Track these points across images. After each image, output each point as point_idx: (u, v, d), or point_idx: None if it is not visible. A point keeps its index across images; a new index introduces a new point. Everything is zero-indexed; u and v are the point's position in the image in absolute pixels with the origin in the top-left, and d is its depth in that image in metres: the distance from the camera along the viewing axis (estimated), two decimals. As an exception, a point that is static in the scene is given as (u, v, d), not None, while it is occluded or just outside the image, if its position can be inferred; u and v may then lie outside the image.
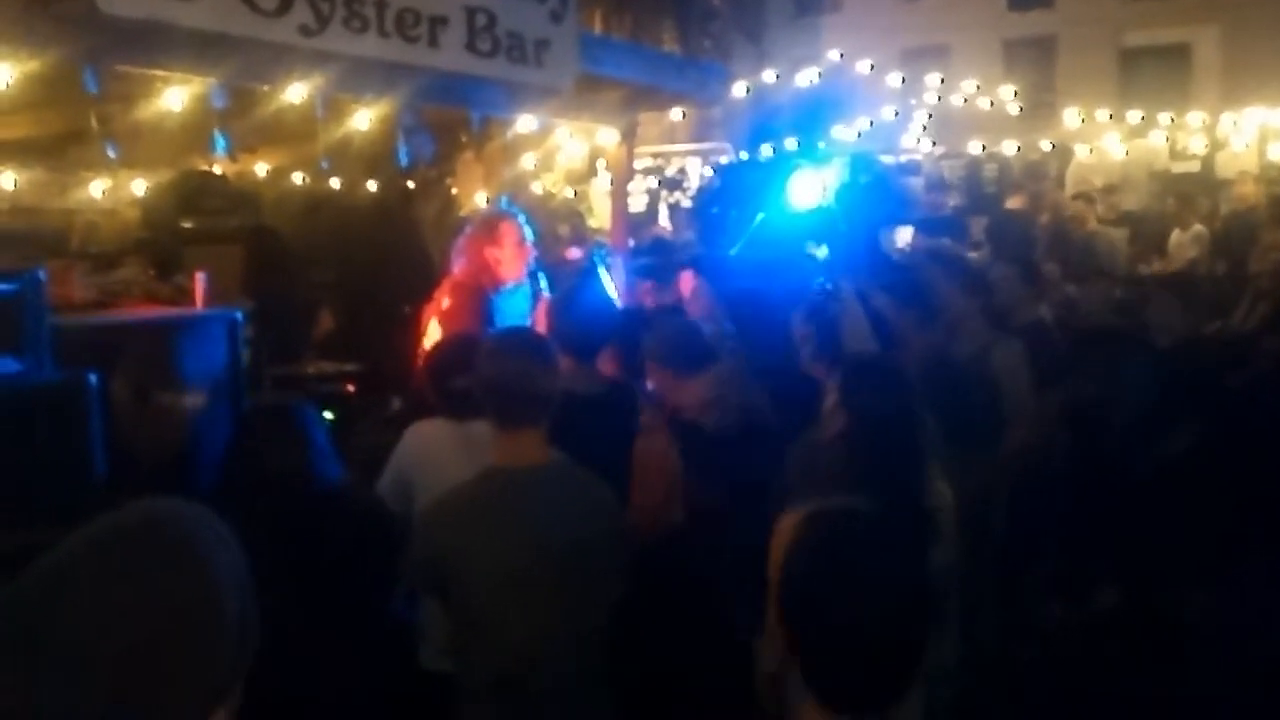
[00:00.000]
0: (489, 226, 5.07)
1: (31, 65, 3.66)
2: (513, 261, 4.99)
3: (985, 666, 3.27)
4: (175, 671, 1.17)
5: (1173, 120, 12.71)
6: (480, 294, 4.93)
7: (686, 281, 5.94)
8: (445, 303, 4.96)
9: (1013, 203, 11.64)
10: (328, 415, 4.90)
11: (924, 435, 2.91)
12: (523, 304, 5.12)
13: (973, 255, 8.48)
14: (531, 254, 5.09)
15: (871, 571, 1.74)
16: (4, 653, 1.14)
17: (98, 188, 7.49)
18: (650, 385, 3.93)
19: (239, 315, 3.66)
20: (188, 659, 1.18)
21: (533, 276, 5.19)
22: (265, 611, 1.34)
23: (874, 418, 2.82)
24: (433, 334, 4.89)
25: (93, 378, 2.69)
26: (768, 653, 2.74)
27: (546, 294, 5.19)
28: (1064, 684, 3.31)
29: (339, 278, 7.63)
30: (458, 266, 5.09)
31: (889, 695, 1.73)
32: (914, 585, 1.77)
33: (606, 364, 4.05)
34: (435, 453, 3.44)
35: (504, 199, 7.67)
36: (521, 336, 3.10)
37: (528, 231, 5.10)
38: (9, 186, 6.85)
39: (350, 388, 6.03)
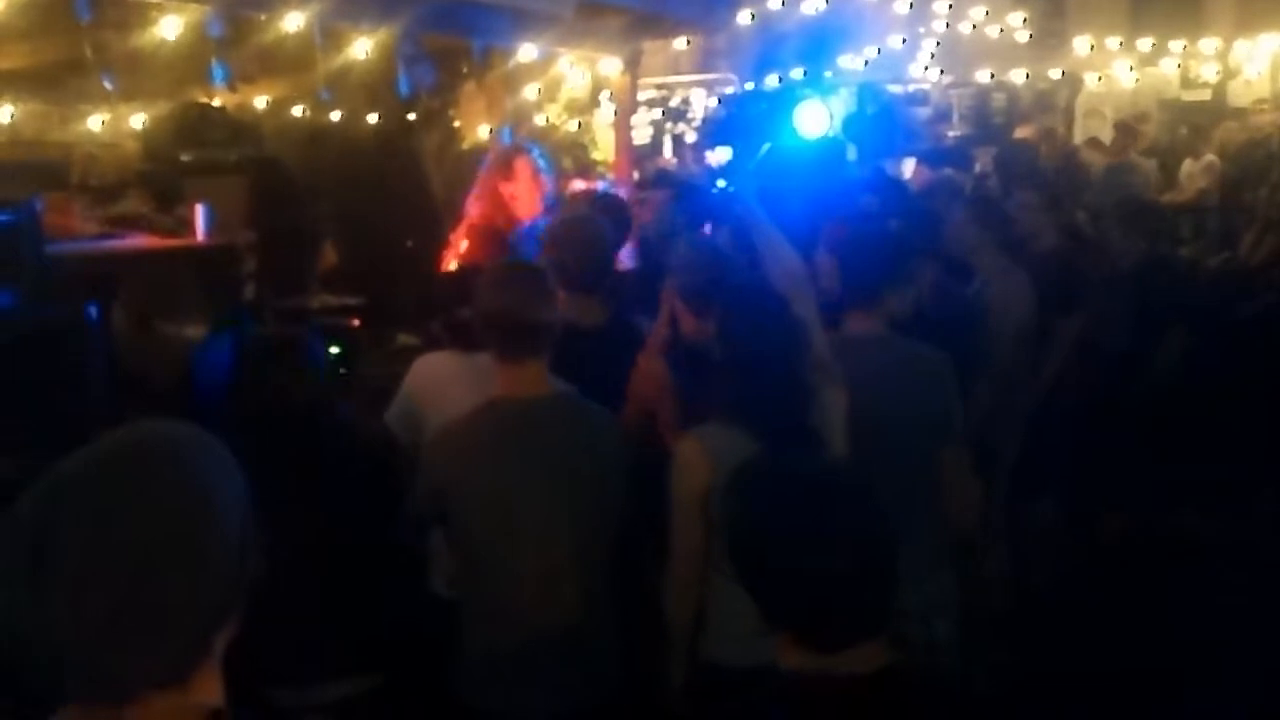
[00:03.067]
0: (503, 161, 4.97)
1: (23, -9, 3.60)
2: (528, 196, 4.88)
3: (993, 597, 3.28)
4: (173, 591, 1.17)
5: (1185, 48, 12.51)
6: (497, 236, 4.84)
7: None
8: (463, 245, 4.88)
9: (1022, 132, 11.50)
10: (333, 349, 4.89)
11: (807, 366, 2.86)
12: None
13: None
14: (548, 188, 4.98)
15: (824, 518, 1.74)
16: (13, 566, 1.15)
17: (96, 121, 7.41)
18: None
19: (239, 246, 3.63)
20: (186, 579, 1.17)
21: (551, 211, 5.08)
22: (271, 542, 1.34)
23: (753, 347, 2.78)
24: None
25: (92, 309, 2.67)
26: (678, 575, 2.76)
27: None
28: (1074, 610, 3.33)
29: (341, 211, 7.57)
30: (474, 209, 4.99)
31: (867, 630, 1.74)
32: (868, 523, 1.76)
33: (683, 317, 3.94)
34: (443, 384, 3.43)
35: (506, 131, 7.58)
36: (519, 268, 3.08)
37: (543, 164, 4.99)
38: (6, 120, 6.77)
39: (355, 321, 6.01)
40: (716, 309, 2.98)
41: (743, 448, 2.60)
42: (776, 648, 1.77)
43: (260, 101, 7.75)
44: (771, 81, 11.39)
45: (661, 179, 9.45)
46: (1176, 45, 12.48)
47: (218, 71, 4.50)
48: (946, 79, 13.47)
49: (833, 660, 1.71)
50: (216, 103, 7.30)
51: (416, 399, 3.48)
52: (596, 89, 8.94)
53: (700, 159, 11.14)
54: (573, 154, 9.97)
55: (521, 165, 4.90)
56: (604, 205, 4.71)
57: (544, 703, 2.74)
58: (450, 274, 4.07)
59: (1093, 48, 12.42)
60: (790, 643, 1.75)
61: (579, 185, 8.16)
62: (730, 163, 6.93)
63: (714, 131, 11.53)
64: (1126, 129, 10.71)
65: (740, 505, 1.87)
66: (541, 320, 2.79)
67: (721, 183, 4.53)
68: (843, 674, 1.70)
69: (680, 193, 6.09)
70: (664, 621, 2.83)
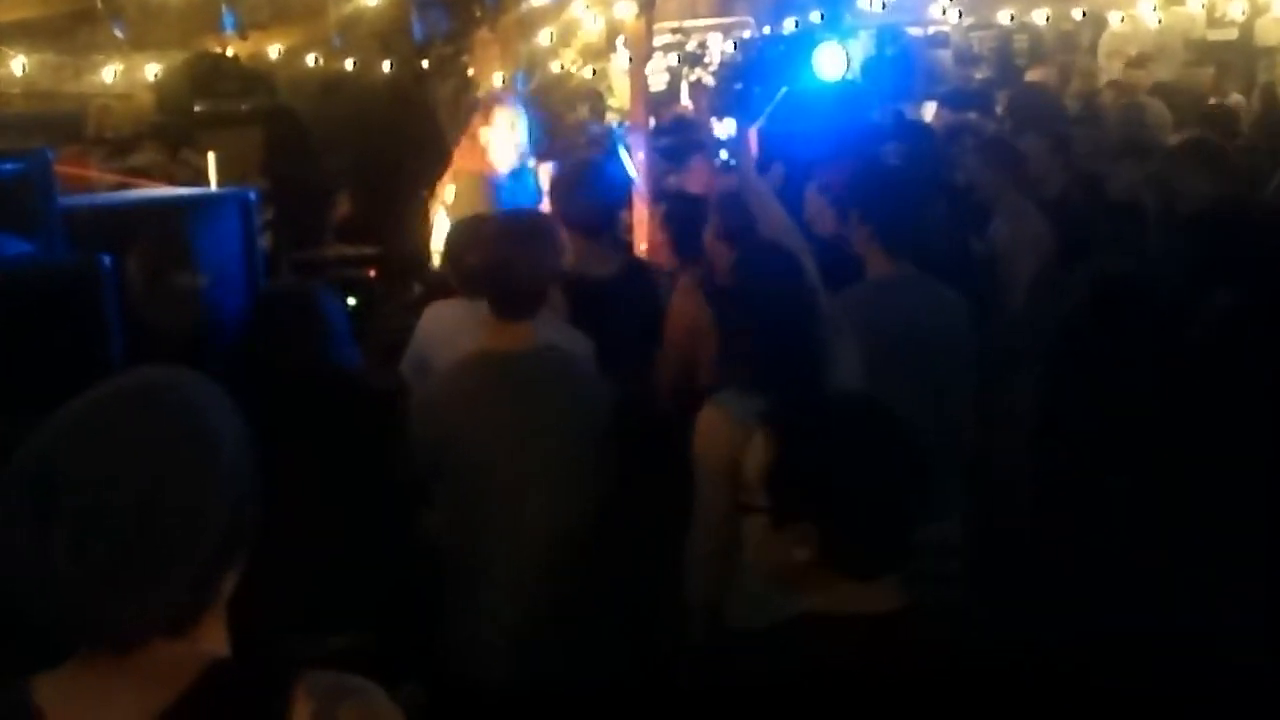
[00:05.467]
0: (485, 106, 5.02)
1: (29, -61, 3.56)
2: (502, 144, 4.87)
3: (1007, 540, 3.27)
4: (178, 531, 1.17)
5: (1212, -15, 12.27)
6: (484, 179, 4.84)
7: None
8: (451, 190, 4.89)
9: (1034, 75, 11.33)
10: (349, 301, 4.89)
11: (825, 324, 2.82)
12: (525, 197, 4.99)
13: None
14: (522, 139, 4.94)
15: (870, 449, 1.76)
16: (17, 509, 1.15)
17: (110, 71, 7.39)
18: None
19: (252, 195, 3.61)
20: (190, 518, 1.18)
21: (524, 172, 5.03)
22: (278, 493, 1.34)
23: (769, 310, 2.74)
24: (440, 224, 4.83)
25: (106, 259, 2.65)
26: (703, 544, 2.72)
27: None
28: (1078, 559, 3.31)
29: (356, 161, 7.54)
30: (460, 157, 5.01)
31: (893, 559, 1.77)
32: (909, 453, 1.78)
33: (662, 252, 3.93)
34: (452, 332, 3.41)
35: (520, 77, 7.52)
36: (519, 221, 3.04)
37: (522, 117, 4.97)
38: (20, 71, 6.75)
39: (371, 272, 6.01)
40: (735, 269, 2.94)
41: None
42: (799, 585, 1.77)
43: (273, 50, 7.70)
44: (789, 25, 11.23)
45: (679, 127, 9.37)
46: (1204, -18, 12.23)
47: (229, 19, 4.45)
48: (967, 21, 13.25)
49: (849, 599, 1.72)
50: (229, 52, 7.27)
51: (427, 349, 3.47)
52: (611, 34, 8.84)
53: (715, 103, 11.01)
54: (589, 101, 9.89)
55: (500, 113, 4.91)
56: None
57: (540, 672, 2.71)
58: (461, 222, 4.04)
59: (1116, -14, 12.19)
60: (814, 575, 1.75)
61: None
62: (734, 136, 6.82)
63: (734, 76, 11.37)
64: (1141, 63, 10.58)
65: (779, 435, 1.86)
66: (533, 277, 2.77)
67: (724, 154, 4.55)
68: (858, 614, 1.71)
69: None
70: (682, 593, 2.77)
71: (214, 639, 1.25)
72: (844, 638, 1.70)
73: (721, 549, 2.66)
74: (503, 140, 4.89)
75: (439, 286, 3.72)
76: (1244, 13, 12.76)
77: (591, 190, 3.76)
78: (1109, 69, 12.27)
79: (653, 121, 8.38)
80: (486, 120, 4.93)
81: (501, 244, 2.81)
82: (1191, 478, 3.16)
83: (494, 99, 5.14)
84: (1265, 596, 2.90)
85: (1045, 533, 3.43)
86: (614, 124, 8.44)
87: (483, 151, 4.94)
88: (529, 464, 2.69)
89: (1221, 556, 2.96)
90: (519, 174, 4.95)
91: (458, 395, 2.75)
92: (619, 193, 3.99)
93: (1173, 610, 2.99)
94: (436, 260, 4.64)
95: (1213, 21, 13.18)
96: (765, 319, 2.73)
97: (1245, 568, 2.95)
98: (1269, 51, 12.25)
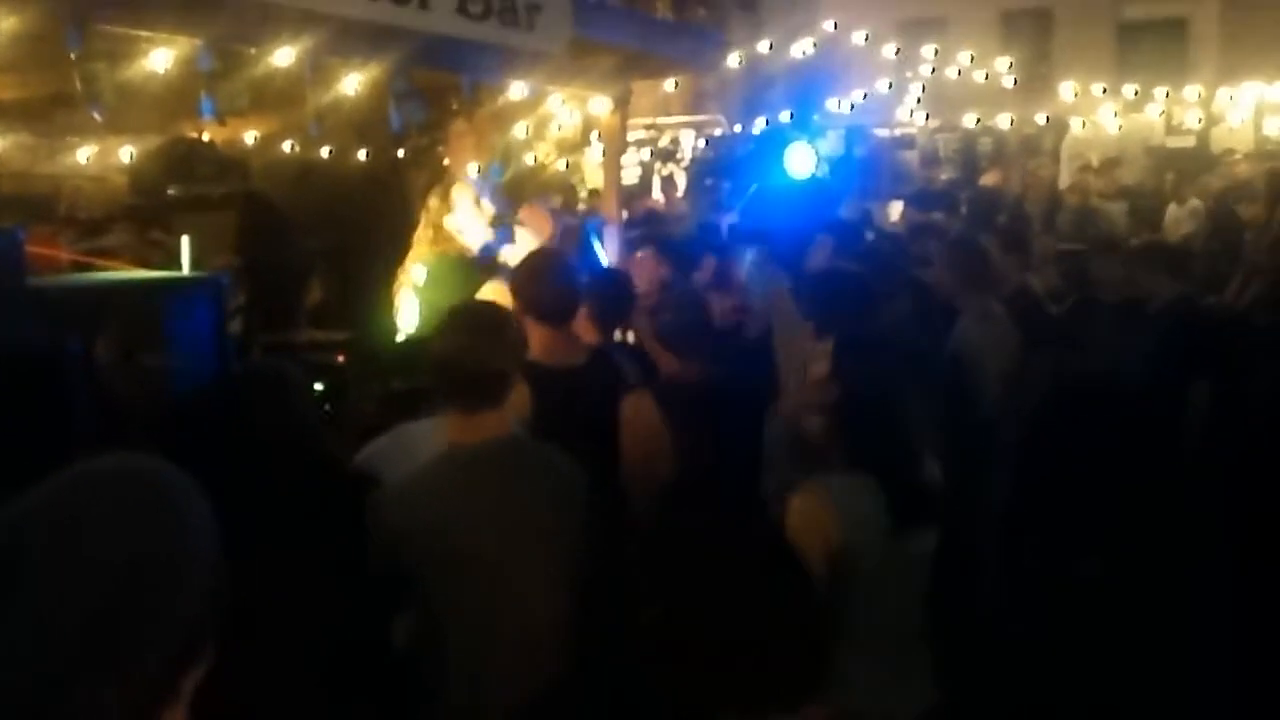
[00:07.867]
0: (442, 194, 5.04)
1: (11, 22, 3.59)
2: (470, 224, 4.92)
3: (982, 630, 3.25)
4: (141, 619, 1.12)
5: (1169, 95, 12.64)
6: (461, 259, 4.87)
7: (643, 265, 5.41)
8: (422, 272, 4.88)
9: (988, 179, 11.60)
10: (318, 386, 4.86)
11: (912, 411, 2.87)
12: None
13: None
14: (492, 212, 4.98)
15: None
16: None
17: (85, 154, 7.42)
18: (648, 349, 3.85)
19: (224, 279, 3.60)
20: (156, 611, 1.13)
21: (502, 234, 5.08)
22: (249, 576, 1.30)
23: (867, 392, 2.79)
24: (408, 307, 4.84)
25: (75, 341, 2.64)
26: None
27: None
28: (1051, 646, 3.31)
29: (329, 247, 7.56)
30: (424, 239, 5.02)
31: None
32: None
33: (583, 327, 3.94)
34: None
35: (495, 169, 7.58)
36: (476, 313, 2.96)
37: (484, 187, 5.02)
38: (-6, 151, 6.78)
39: (340, 358, 5.98)
40: (835, 353, 2.98)
41: (868, 495, 2.62)
42: None
43: (249, 136, 7.75)
44: (759, 124, 11.47)
45: (650, 220, 9.48)
46: (1160, 92, 12.61)
47: (206, 105, 4.47)
48: (933, 123, 13.59)
49: None
50: (205, 137, 7.32)
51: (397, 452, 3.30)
52: (587, 128, 8.97)
53: (688, 199, 11.19)
54: (562, 192, 10.01)
55: (459, 193, 4.95)
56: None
57: None
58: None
59: (1077, 94, 12.54)
60: None
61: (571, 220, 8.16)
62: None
63: (705, 172, 11.59)
64: (1094, 169, 10.90)
65: None
66: (494, 368, 2.69)
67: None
68: None
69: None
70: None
71: None
72: None
73: None
74: (469, 219, 4.93)
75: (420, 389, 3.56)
76: (1200, 121, 13.16)
77: (556, 280, 3.72)
78: (1071, 172, 12.60)
79: (624, 213, 8.48)
80: (447, 205, 4.96)
81: (453, 332, 2.76)
82: (1161, 565, 3.18)
83: (449, 181, 5.20)
84: (1237, 685, 2.90)
85: (1014, 620, 3.43)
86: (586, 215, 8.52)
87: (449, 236, 4.96)
88: (512, 552, 2.63)
89: (1192, 644, 2.97)
90: (490, 248, 4.99)
91: (433, 490, 2.68)
92: (580, 280, 3.95)
93: (1143, 697, 2.98)
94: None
95: (1171, 129, 13.59)
96: (870, 401, 2.77)
97: (1216, 655, 2.95)
98: (1220, 161, 12.64)
